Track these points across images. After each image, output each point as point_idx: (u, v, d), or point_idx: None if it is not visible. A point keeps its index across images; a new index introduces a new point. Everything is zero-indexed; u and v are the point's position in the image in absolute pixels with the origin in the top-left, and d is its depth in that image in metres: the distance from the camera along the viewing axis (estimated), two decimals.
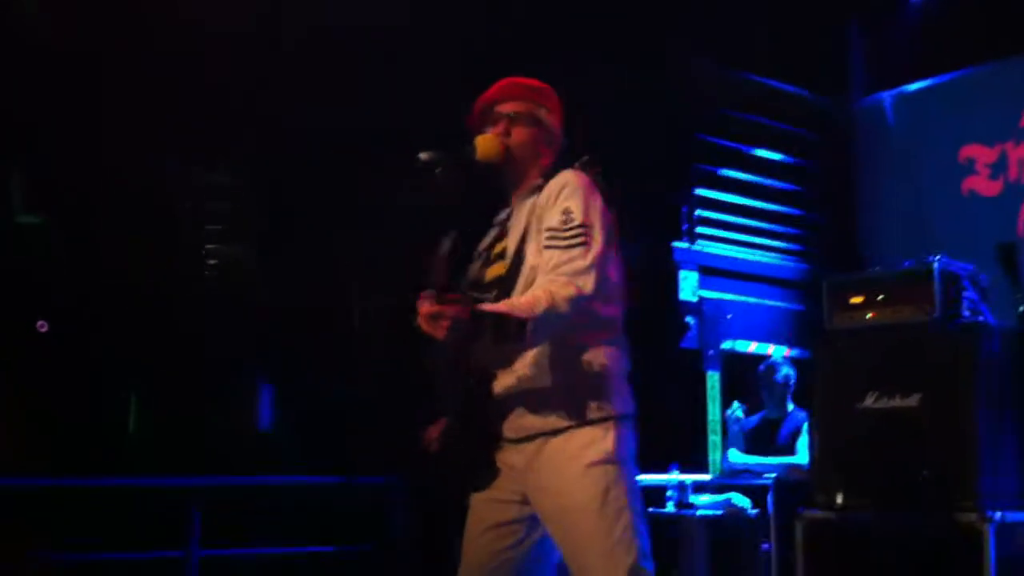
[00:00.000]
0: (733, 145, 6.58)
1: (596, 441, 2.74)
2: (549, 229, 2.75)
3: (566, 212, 2.74)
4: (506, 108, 2.96)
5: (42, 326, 3.75)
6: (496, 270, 2.91)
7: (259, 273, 6.24)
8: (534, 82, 3.01)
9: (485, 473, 2.82)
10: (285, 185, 6.08)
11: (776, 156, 6.70)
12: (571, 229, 2.72)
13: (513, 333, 2.54)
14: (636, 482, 2.79)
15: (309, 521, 5.61)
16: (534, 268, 2.78)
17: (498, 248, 2.95)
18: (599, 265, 2.71)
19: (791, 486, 4.94)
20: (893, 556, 4.13)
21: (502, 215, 3.03)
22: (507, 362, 2.77)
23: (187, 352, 5.76)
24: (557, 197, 2.78)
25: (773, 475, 5.17)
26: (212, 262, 6.47)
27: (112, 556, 5.17)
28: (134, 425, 5.72)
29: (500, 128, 2.94)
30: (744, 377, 5.95)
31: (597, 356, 2.79)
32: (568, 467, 2.72)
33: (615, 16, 5.85)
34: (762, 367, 5.79)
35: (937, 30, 5.85)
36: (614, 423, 2.76)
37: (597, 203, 2.79)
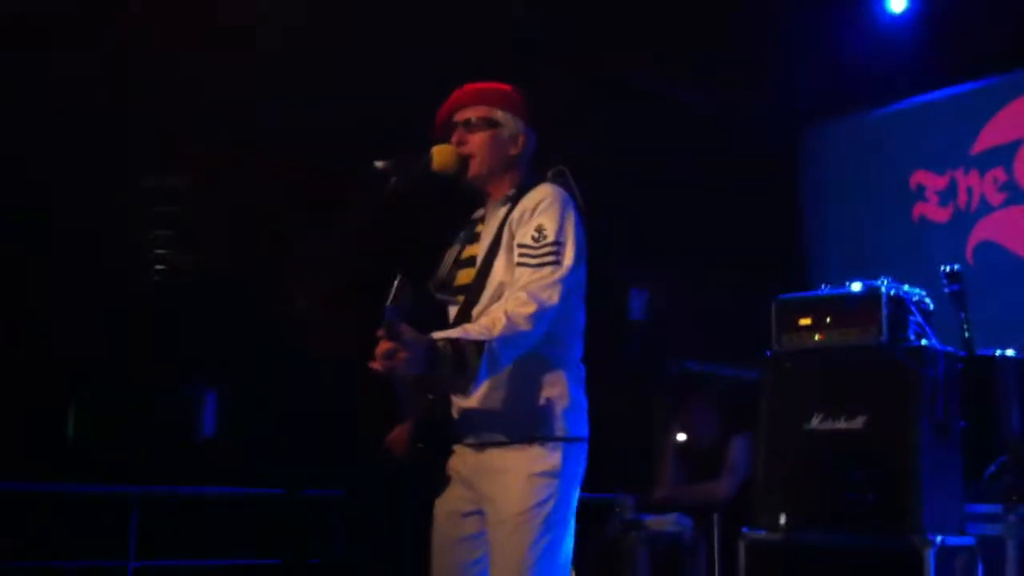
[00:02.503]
0: None
1: (543, 457, 2.73)
2: (521, 245, 2.74)
3: (539, 229, 2.73)
4: (461, 116, 2.95)
5: None
6: (465, 276, 2.90)
7: (207, 279, 6.16)
8: (489, 85, 2.99)
9: (437, 480, 2.83)
10: (237, 190, 6.02)
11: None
12: (543, 247, 2.71)
13: (471, 357, 2.50)
14: (572, 506, 2.78)
15: (250, 533, 5.54)
16: (503, 284, 2.77)
17: (468, 252, 2.94)
18: (566, 281, 2.70)
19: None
20: None
21: (477, 214, 3.01)
22: None
23: (130, 356, 5.68)
24: (532, 213, 2.77)
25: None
26: (159, 267, 6.39)
27: (47, 564, 5.07)
28: (73, 430, 5.62)
29: (456, 138, 2.93)
30: None
31: (556, 373, 2.79)
32: (510, 477, 2.72)
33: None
34: None
35: (889, 56, 5.91)
36: (564, 443, 2.76)
37: (571, 220, 2.77)
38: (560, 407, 2.77)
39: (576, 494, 2.80)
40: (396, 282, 2.42)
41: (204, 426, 5.84)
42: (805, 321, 4.47)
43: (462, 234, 3.02)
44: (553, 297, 2.66)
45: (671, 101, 6.33)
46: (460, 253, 2.97)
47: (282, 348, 5.36)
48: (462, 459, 2.83)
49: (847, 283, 4.49)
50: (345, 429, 5.59)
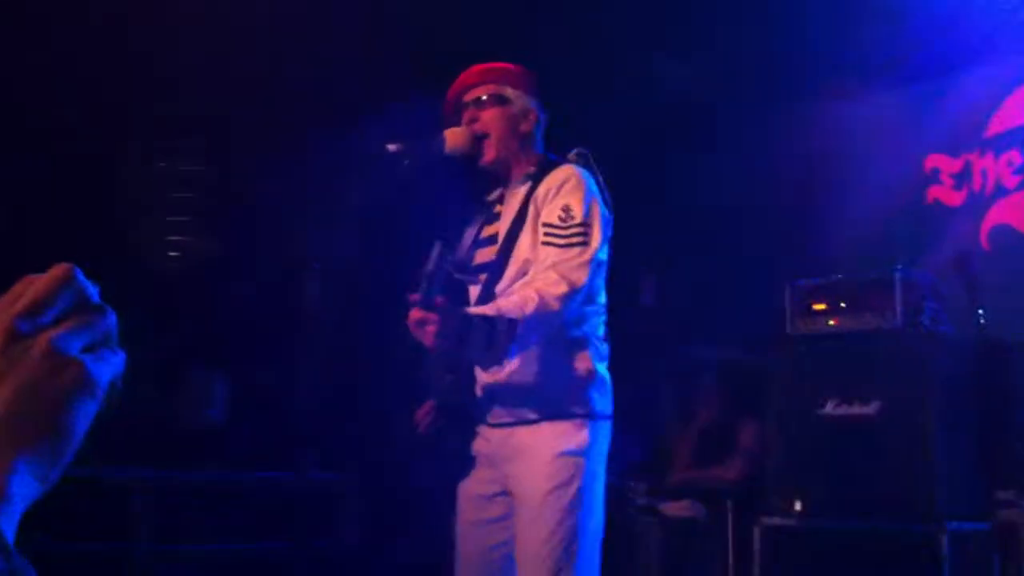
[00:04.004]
0: None
1: (570, 434, 2.74)
2: (547, 225, 2.75)
3: (566, 209, 2.73)
4: (471, 96, 2.95)
5: None
6: (485, 254, 2.90)
7: (218, 264, 6.15)
8: (496, 64, 3.00)
9: (460, 462, 2.83)
10: (247, 175, 6.00)
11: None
12: (570, 227, 2.71)
13: (503, 334, 2.50)
14: (600, 484, 2.78)
15: (260, 517, 5.53)
16: (528, 261, 2.78)
17: (488, 231, 2.94)
18: (593, 262, 2.71)
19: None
20: (850, 563, 4.12)
21: (494, 195, 3.00)
22: None
23: (140, 342, 5.66)
24: (557, 192, 2.77)
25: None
26: (173, 253, 6.38)
27: (56, 548, 5.06)
28: None
29: (467, 116, 2.92)
30: None
31: (582, 350, 2.80)
32: (538, 455, 2.73)
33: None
34: None
35: (903, 38, 5.85)
36: (591, 420, 2.77)
37: (597, 201, 2.79)
38: (586, 384, 2.79)
39: (603, 472, 2.80)
40: (436, 247, 2.39)
41: (215, 411, 5.83)
42: (819, 306, 4.45)
43: (479, 214, 3.01)
44: (582, 278, 2.68)
45: (673, 90, 6.28)
46: (479, 233, 2.97)
47: (292, 334, 5.35)
48: (486, 439, 2.83)
49: (861, 268, 4.47)
50: (357, 412, 5.59)
